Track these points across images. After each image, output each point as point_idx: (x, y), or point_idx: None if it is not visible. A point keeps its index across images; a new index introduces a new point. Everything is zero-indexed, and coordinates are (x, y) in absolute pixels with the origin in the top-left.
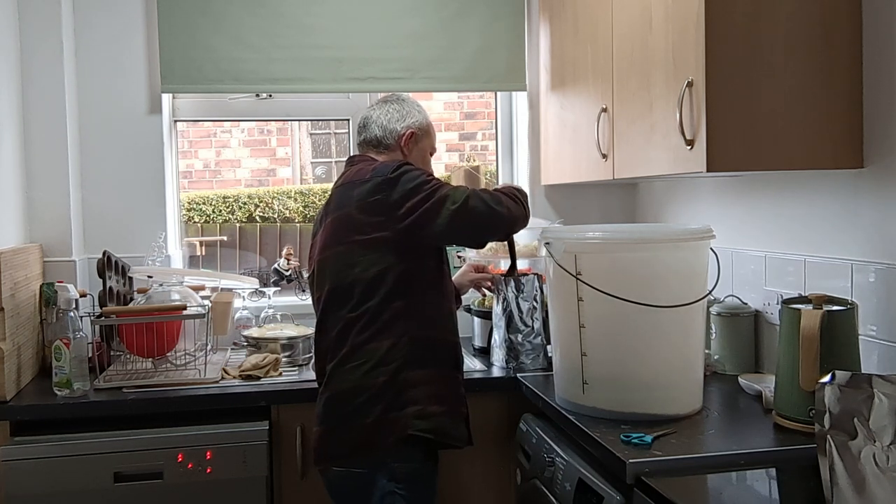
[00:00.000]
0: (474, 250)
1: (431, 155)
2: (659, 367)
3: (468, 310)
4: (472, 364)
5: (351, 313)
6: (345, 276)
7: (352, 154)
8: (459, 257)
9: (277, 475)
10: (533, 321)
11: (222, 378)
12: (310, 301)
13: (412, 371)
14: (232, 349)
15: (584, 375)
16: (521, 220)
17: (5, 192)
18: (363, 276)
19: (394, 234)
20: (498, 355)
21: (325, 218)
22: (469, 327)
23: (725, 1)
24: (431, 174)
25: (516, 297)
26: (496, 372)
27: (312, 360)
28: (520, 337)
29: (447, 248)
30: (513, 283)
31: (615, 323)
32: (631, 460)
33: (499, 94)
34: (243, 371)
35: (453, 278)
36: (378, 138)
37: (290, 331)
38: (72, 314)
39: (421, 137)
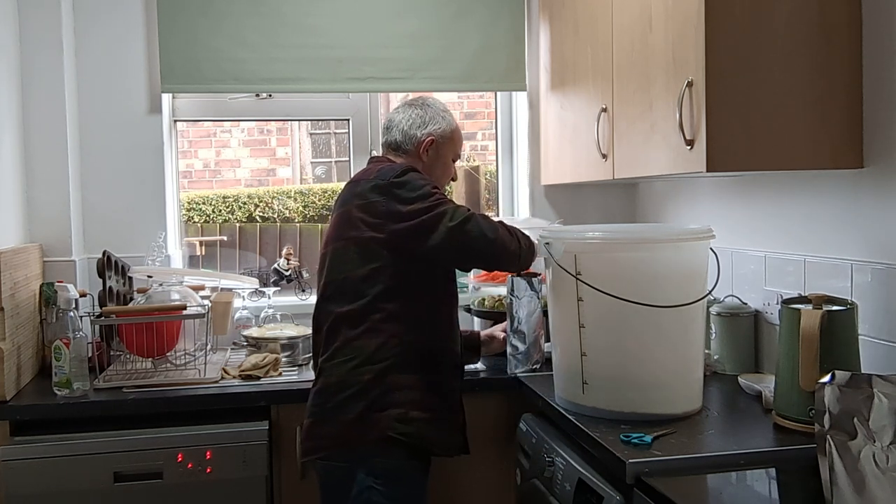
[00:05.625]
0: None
1: (455, 161)
2: (659, 367)
3: (468, 310)
4: (472, 364)
5: (341, 309)
6: (339, 272)
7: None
8: None
9: (277, 475)
10: (532, 321)
11: (222, 378)
12: (309, 301)
13: (399, 374)
14: (232, 349)
15: (584, 375)
16: (512, 257)
17: (5, 192)
18: (355, 274)
19: (389, 236)
20: None
21: (333, 213)
22: (469, 328)
23: (725, 1)
24: (437, 187)
25: (516, 297)
26: (496, 372)
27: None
28: (519, 337)
29: None
30: (512, 283)
31: (615, 323)
32: (631, 460)
33: (499, 94)
34: (243, 371)
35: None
36: (398, 142)
37: (289, 331)
38: (72, 314)
39: (442, 145)
